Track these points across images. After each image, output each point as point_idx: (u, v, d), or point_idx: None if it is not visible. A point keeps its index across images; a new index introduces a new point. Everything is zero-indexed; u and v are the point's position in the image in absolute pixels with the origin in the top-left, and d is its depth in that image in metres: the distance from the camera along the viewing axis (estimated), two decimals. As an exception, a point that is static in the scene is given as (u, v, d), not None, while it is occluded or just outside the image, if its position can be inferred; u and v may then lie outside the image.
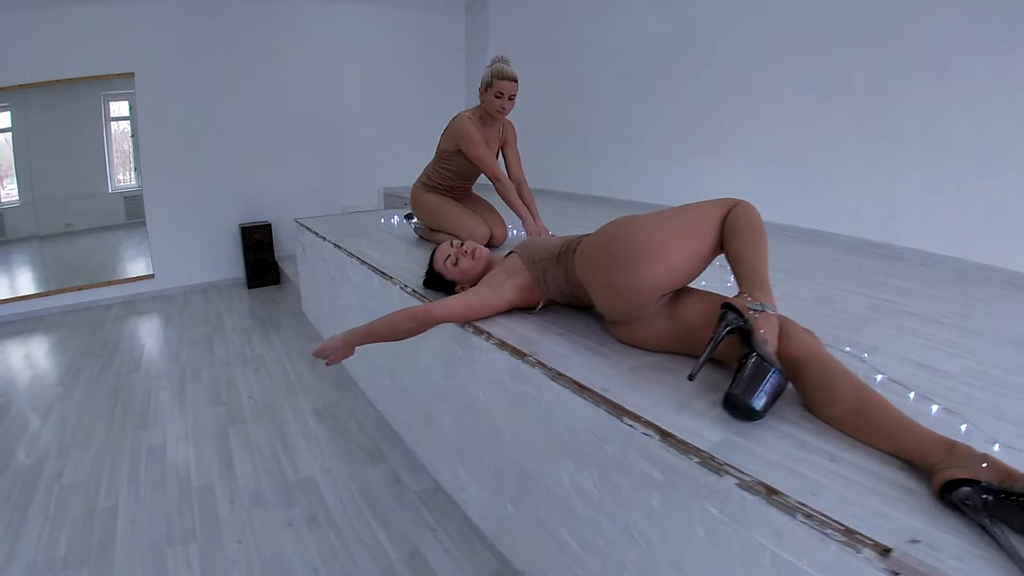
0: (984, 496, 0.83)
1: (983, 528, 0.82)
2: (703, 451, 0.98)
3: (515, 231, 2.70)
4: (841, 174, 2.99)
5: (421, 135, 4.52)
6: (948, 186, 2.61)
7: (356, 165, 5.07)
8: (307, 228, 3.06)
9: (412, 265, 2.19)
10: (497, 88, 2.30)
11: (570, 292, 1.55)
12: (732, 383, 1.07)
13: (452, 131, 2.42)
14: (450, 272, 1.76)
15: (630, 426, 1.09)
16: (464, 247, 1.76)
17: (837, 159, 3.00)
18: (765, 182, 3.28)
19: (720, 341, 1.14)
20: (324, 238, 2.75)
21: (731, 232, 1.25)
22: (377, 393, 2.40)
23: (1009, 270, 2.39)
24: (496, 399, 1.51)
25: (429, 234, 2.64)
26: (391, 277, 2.01)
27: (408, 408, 2.10)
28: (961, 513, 0.84)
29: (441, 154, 2.52)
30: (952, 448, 0.91)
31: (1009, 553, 0.78)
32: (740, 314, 1.15)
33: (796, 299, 1.90)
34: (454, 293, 1.76)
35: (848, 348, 1.48)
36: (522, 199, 2.46)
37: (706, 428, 1.05)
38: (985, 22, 2.37)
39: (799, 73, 3.09)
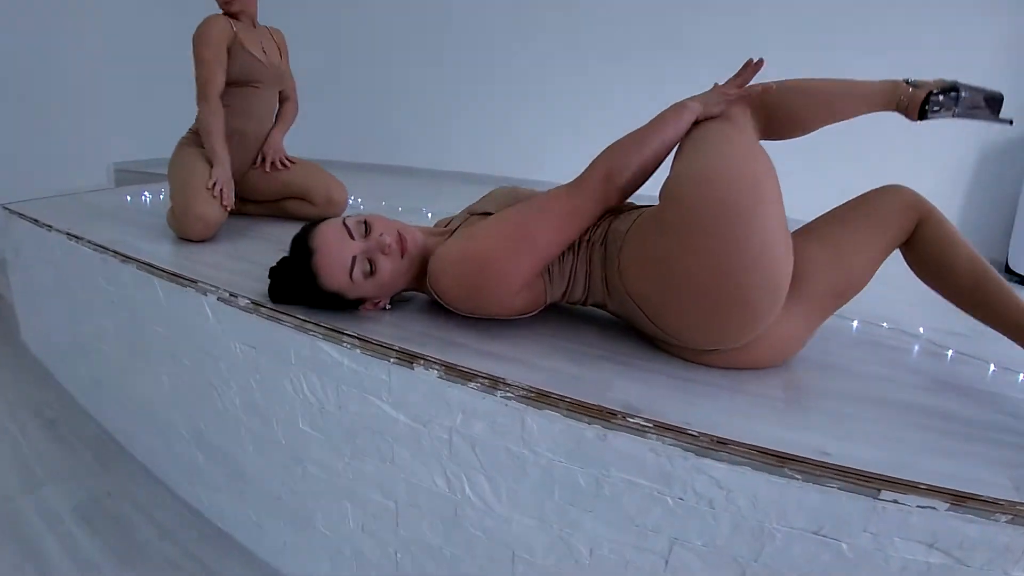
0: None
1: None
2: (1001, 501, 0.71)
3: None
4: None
5: (168, 90, 3.24)
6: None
7: (70, 132, 3.73)
8: (23, 216, 1.94)
9: (224, 259, 1.52)
10: None
11: (611, 301, 1.07)
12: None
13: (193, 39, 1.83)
14: (363, 288, 1.08)
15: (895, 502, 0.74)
16: (383, 236, 1.05)
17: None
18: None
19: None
20: (54, 228, 1.76)
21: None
22: (174, 469, 1.62)
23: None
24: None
25: (169, 215, 1.81)
26: (195, 282, 1.31)
27: (258, 501, 1.40)
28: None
29: None
30: None
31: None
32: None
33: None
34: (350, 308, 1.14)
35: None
36: (270, 141, 2.02)
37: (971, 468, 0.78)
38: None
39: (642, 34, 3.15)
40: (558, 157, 3.54)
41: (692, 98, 1.07)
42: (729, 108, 1.08)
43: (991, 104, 1.16)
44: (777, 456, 0.79)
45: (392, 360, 1.01)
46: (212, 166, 1.78)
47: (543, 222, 0.97)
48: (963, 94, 1.15)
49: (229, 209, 1.74)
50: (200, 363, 1.36)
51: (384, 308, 1.15)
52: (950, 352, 1.23)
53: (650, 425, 0.85)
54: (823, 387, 1.00)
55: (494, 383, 0.93)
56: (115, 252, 1.52)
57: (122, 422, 1.77)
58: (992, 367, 1.16)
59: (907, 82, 1.17)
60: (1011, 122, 1.18)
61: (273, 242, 1.77)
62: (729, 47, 3.16)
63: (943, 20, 2.71)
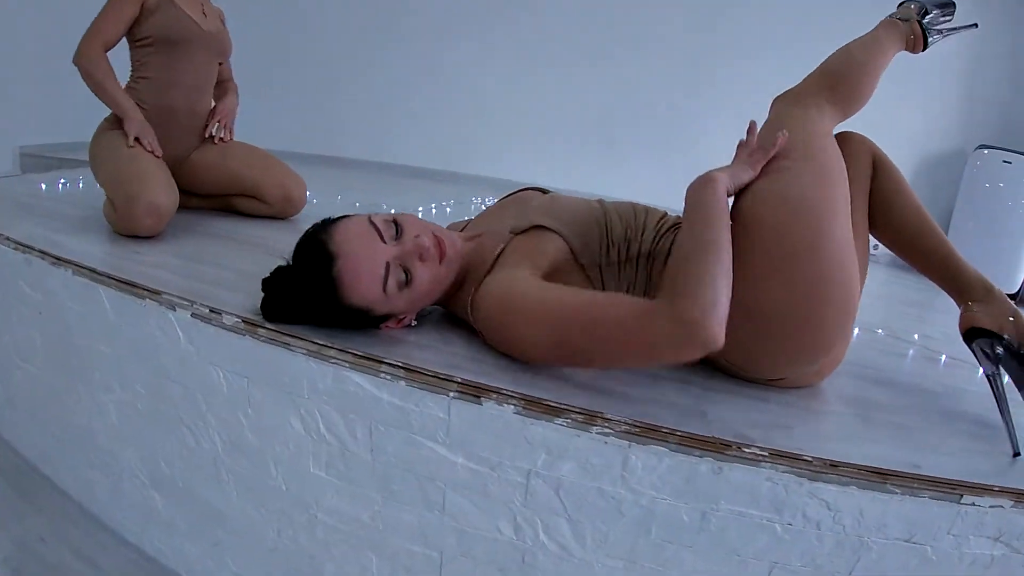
0: (998, 351, 0.92)
1: (988, 380, 0.95)
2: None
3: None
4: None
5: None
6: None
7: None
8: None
9: (177, 261, 1.24)
10: None
11: None
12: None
13: None
14: (395, 302, 0.90)
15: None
16: (420, 238, 0.88)
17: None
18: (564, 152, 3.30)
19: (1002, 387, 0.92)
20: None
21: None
22: (121, 510, 1.30)
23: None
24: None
25: (107, 208, 1.50)
26: (159, 293, 1.02)
27: (242, 551, 1.14)
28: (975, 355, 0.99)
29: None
30: (990, 294, 0.97)
31: (1001, 409, 0.90)
32: (995, 336, 0.94)
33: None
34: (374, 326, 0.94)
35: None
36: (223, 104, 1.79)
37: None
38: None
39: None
40: (492, 150, 3.46)
41: (719, 170, 0.88)
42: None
43: (948, 10, 1.14)
44: (880, 473, 0.78)
45: (452, 394, 0.83)
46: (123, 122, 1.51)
47: (599, 341, 0.78)
48: (933, 10, 1.12)
49: (159, 156, 1.52)
50: (161, 391, 1.09)
51: (410, 325, 0.96)
52: (943, 357, 1.32)
53: (765, 454, 0.78)
54: (873, 399, 1.01)
55: (590, 418, 0.79)
56: (42, 252, 1.18)
57: (50, 452, 1.42)
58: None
59: (901, 19, 1.13)
60: (975, 25, 1.20)
61: (230, 240, 1.51)
62: (681, 45, 3.18)
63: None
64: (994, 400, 0.93)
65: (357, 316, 0.90)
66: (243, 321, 0.95)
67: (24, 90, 3.25)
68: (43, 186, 1.89)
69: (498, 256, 0.92)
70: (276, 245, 1.61)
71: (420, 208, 2.39)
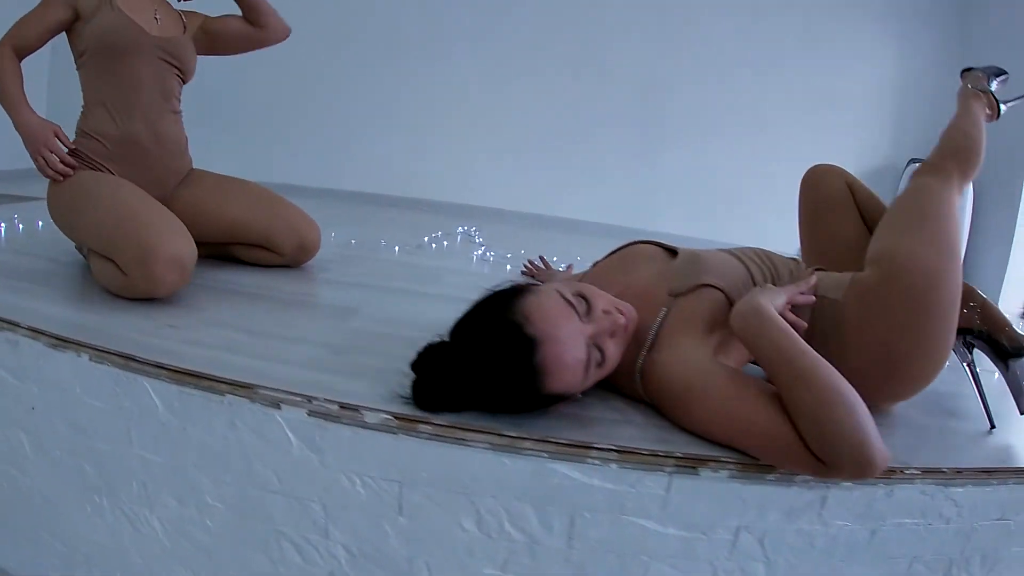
0: (971, 342, 1.05)
1: (968, 370, 1.07)
2: None
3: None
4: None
5: None
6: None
7: None
8: None
9: (214, 331, 1.02)
10: None
11: None
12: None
13: None
14: (588, 383, 0.84)
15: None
16: (612, 313, 0.83)
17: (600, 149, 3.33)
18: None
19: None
20: None
21: None
22: None
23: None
24: None
25: (103, 268, 1.23)
26: (253, 388, 0.84)
27: None
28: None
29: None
30: None
31: (980, 392, 1.05)
32: (967, 330, 1.04)
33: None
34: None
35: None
36: None
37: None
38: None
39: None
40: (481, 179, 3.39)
41: (758, 296, 0.86)
42: None
43: (1003, 76, 1.30)
44: (986, 471, 0.95)
45: (670, 469, 0.83)
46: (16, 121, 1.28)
47: (772, 458, 0.81)
48: (994, 79, 1.28)
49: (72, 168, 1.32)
50: (249, 504, 0.91)
51: (577, 399, 0.92)
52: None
53: (918, 472, 0.92)
54: (928, 407, 1.16)
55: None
56: (33, 330, 0.88)
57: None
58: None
59: (979, 90, 1.25)
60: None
61: (264, 299, 1.34)
62: (643, 68, 3.31)
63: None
64: (973, 385, 1.10)
65: (547, 401, 0.84)
66: (394, 417, 0.83)
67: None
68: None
69: (662, 321, 0.92)
70: (331, 302, 1.45)
71: (427, 238, 2.30)
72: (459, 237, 2.47)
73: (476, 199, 3.42)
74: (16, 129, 1.28)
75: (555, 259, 1.90)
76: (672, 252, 1.07)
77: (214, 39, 1.53)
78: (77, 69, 1.37)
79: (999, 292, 3.03)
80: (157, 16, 1.40)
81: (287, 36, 1.58)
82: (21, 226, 1.66)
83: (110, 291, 1.22)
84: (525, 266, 1.77)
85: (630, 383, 0.93)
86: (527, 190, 3.47)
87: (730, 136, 3.38)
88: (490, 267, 2.05)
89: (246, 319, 1.18)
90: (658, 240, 1.12)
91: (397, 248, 2.09)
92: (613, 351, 0.85)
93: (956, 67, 3.23)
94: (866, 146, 3.45)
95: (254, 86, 3.37)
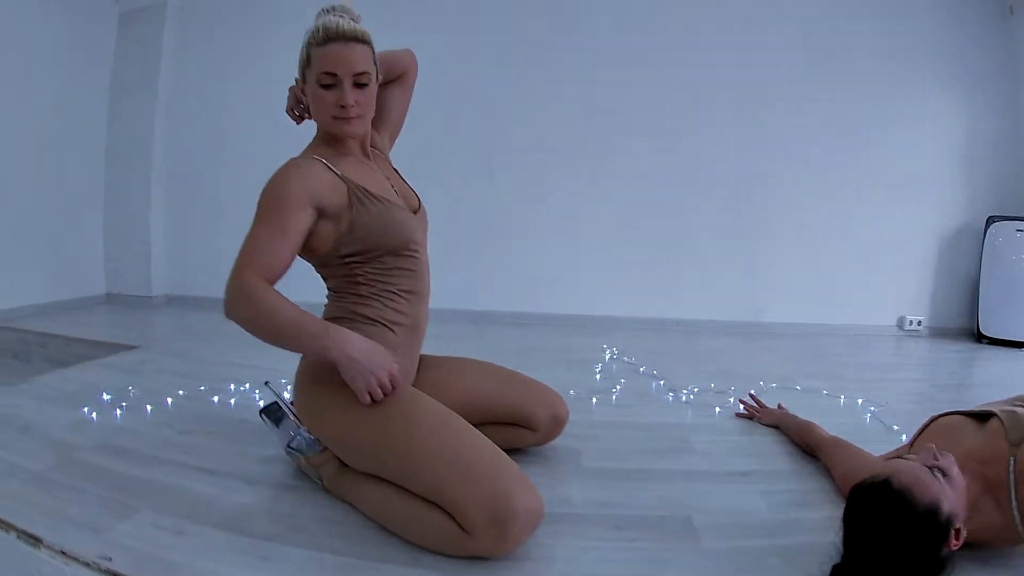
0: None
1: None
2: None
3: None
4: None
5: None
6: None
7: None
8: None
9: None
10: (321, 66, 1.12)
11: None
12: None
13: None
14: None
15: None
16: (955, 470, 0.99)
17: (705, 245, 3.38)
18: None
19: None
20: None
21: None
22: None
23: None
24: None
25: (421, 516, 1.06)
26: None
27: None
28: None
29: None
30: None
31: None
32: None
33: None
34: None
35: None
36: None
37: None
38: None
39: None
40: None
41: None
42: None
43: None
44: None
45: None
46: (343, 364, 1.08)
47: None
48: None
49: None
50: None
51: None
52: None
53: None
54: None
55: None
56: None
57: None
58: None
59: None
60: None
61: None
62: (738, 163, 3.42)
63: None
64: None
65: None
66: None
67: None
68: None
69: (1015, 466, 0.99)
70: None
71: (598, 374, 2.28)
72: (621, 365, 2.45)
73: (591, 309, 3.46)
74: (327, 356, 1.06)
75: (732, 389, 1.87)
76: (973, 415, 1.16)
77: (393, 137, 1.47)
78: (329, 267, 1.23)
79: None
80: (390, 177, 1.30)
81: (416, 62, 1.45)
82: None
83: (424, 545, 1.06)
84: (745, 407, 1.92)
85: (1009, 532, 1.00)
86: (641, 296, 3.48)
87: (825, 220, 3.45)
88: (695, 410, 1.96)
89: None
90: (958, 410, 1.21)
91: (595, 400, 2.01)
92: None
93: (1015, 125, 3.30)
94: (946, 211, 3.56)
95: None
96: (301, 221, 1.11)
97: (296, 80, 1.25)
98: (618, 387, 2.16)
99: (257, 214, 1.12)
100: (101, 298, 3.77)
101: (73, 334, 2.85)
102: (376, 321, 1.22)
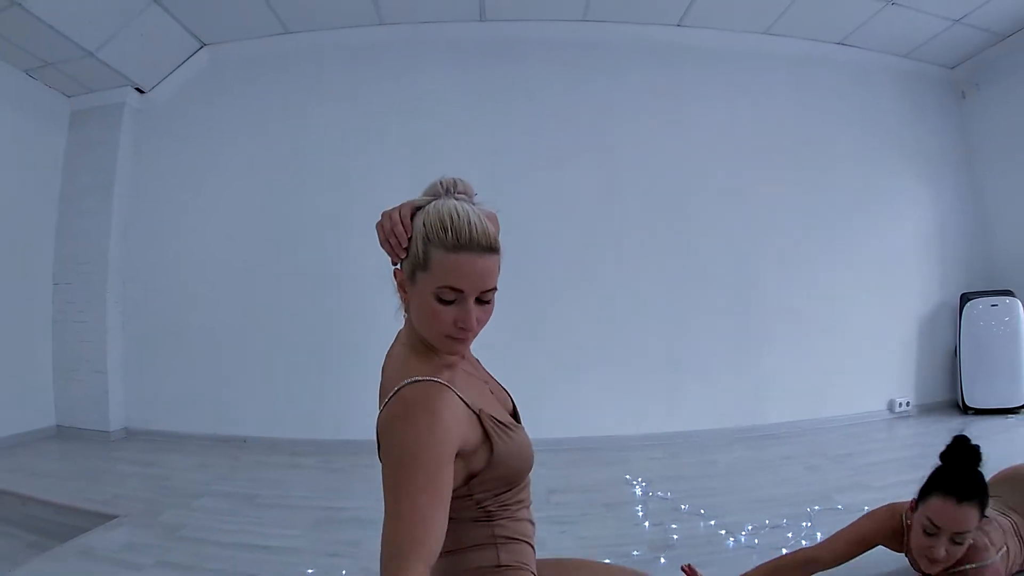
0: None
1: None
2: None
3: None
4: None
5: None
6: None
7: None
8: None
9: None
10: (446, 278, 0.87)
11: None
12: None
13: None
14: None
15: None
16: None
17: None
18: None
19: None
20: None
21: None
22: None
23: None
24: None
25: None
26: None
27: None
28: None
29: None
30: None
31: None
32: None
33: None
34: None
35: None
36: None
37: None
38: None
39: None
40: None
41: None
42: None
43: None
44: None
45: None
46: None
47: None
48: None
49: None
50: None
51: None
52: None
53: None
54: None
55: None
56: None
57: None
58: None
59: None
60: None
61: None
62: (733, 267, 3.45)
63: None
64: None
65: None
66: None
67: None
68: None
69: None
70: None
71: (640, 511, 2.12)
72: (657, 503, 2.36)
73: (596, 430, 3.31)
74: None
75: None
76: None
77: None
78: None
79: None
80: (487, 382, 1.11)
81: None
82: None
83: None
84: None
85: None
86: (644, 410, 3.38)
87: (814, 316, 3.53)
88: (759, 555, 1.86)
89: None
90: None
91: (663, 560, 1.87)
92: None
93: (976, 204, 3.69)
94: (921, 288, 3.75)
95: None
96: (450, 472, 0.85)
97: (392, 215, 0.95)
98: (675, 538, 2.04)
99: (402, 475, 0.82)
100: (52, 430, 3.34)
101: (28, 490, 2.47)
102: (516, 539, 1.03)
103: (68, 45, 2.97)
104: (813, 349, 3.48)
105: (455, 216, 0.87)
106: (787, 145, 3.60)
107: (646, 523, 2.18)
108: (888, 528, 1.52)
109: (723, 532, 2.08)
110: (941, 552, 1.33)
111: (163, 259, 3.48)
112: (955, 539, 1.32)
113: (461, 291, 0.88)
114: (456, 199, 0.92)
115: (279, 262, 3.35)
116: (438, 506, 0.81)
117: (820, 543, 1.59)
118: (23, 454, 2.93)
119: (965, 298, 3.64)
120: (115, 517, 2.20)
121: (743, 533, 2.03)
